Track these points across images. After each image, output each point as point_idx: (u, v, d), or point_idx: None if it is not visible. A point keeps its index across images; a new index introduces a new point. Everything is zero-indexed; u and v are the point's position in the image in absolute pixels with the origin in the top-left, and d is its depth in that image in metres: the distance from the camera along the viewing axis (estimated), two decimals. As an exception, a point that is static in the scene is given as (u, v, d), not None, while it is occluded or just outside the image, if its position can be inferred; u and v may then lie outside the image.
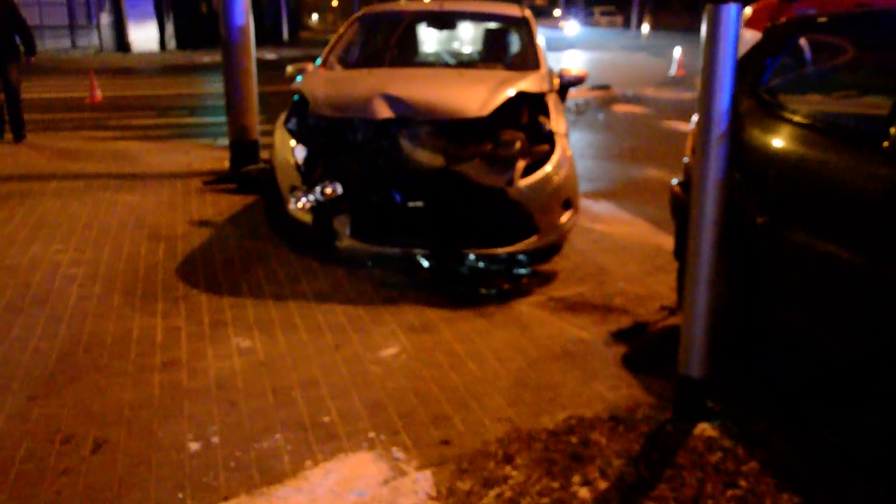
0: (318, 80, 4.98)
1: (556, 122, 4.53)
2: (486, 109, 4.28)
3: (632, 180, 7.09)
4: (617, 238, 5.18)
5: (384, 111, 4.29)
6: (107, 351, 3.42)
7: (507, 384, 3.16)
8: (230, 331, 3.63)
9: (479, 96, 4.36)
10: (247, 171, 6.42)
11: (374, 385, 3.14)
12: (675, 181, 3.77)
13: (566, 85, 5.26)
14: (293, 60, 6.29)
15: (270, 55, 21.16)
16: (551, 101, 4.73)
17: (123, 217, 5.51)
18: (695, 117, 3.71)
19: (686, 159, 3.72)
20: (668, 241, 5.02)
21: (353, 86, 4.76)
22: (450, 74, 5.09)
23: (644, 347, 3.52)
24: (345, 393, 3.07)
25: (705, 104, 2.61)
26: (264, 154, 6.72)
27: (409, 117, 4.29)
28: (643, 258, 4.76)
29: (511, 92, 4.47)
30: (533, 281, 4.31)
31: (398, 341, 3.54)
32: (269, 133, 7.61)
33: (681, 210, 3.65)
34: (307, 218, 4.35)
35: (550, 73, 5.17)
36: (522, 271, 4.42)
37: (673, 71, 16.16)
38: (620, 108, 11.69)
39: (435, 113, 4.29)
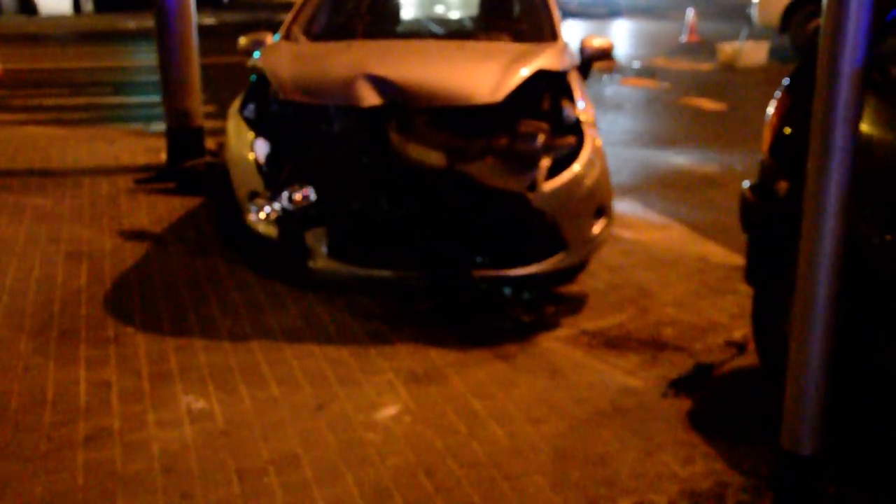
0: (283, 56, 4.80)
1: (583, 106, 4.36)
2: (500, 93, 4.09)
3: (656, 172, 6.94)
4: (652, 248, 5.00)
5: (369, 96, 4.10)
6: (10, 421, 3.12)
7: (547, 457, 2.92)
8: (177, 386, 3.40)
9: (489, 77, 4.18)
10: (190, 165, 6.19)
11: (372, 461, 2.90)
12: (746, 184, 3.54)
13: (588, 59, 5.12)
14: (236, 27, 5.96)
15: (209, 20, 20.82)
16: (574, 80, 4.59)
17: (32, 228, 5.24)
18: (771, 105, 3.46)
19: (761, 157, 3.45)
20: (714, 251, 4.94)
21: (327, 63, 4.59)
22: (449, 49, 4.91)
23: (714, 400, 3.30)
24: (335, 474, 2.82)
25: (826, 82, 2.28)
26: (210, 143, 6.46)
27: (402, 104, 4.10)
28: (689, 275, 4.59)
29: (527, 71, 4.29)
30: (559, 309, 4.10)
31: (398, 396, 3.33)
32: (214, 116, 7.21)
33: (755, 221, 3.41)
34: (272, 231, 4.17)
35: (568, 44, 4.96)
36: (543, 296, 4.19)
37: (685, 37, 16.01)
38: (629, 83, 11.49)
39: (435, 98, 4.12)
